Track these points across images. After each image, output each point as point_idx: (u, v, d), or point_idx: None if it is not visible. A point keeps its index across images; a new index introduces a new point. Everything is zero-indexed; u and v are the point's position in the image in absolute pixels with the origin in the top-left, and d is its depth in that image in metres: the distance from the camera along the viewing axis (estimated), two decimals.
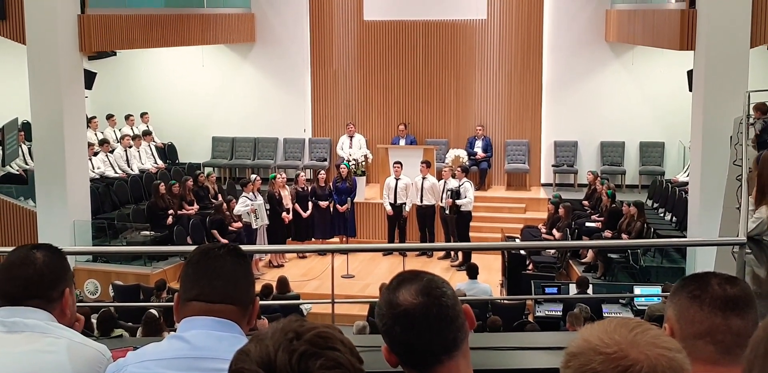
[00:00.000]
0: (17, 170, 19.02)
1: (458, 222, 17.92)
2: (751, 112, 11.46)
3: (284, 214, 18.12)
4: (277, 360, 1.63)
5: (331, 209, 18.83)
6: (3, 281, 2.86)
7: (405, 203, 18.49)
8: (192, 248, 2.91)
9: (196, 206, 18.43)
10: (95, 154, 19.56)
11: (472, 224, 18.21)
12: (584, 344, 1.80)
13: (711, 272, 2.57)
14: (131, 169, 20.25)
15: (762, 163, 5.96)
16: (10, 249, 3.00)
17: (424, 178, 18.35)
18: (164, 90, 22.90)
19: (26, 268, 2.85)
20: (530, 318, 13.48)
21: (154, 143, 21.66)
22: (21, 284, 2.84)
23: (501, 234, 17.61)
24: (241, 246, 2.90)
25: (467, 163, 20.21)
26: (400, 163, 18.61)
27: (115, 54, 19.92)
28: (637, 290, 13.95)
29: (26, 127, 18.92)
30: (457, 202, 17.79)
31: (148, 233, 17.18)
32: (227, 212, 17.52)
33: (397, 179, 18.51)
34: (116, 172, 19.88)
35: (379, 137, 21.75)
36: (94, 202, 17.44)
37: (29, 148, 18.88)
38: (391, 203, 18.55)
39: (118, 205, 18.82)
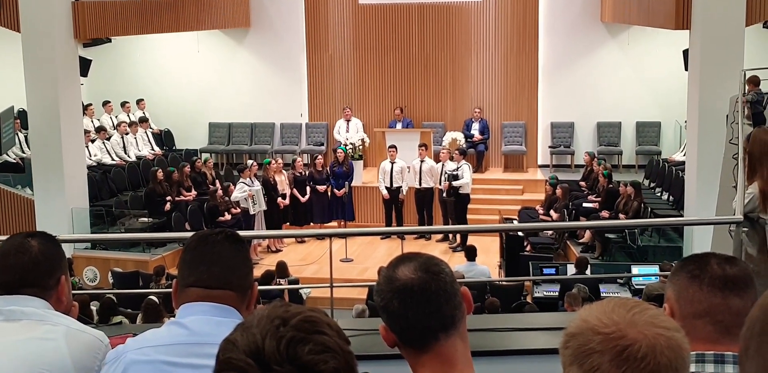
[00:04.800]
0: (14, 159, 19.00)
1: (456, 205, 17.94)
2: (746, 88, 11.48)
3: (279, 199, 18.13)
4: (265, 348, 1.62)
5: (329, 194, 18.85)
6: None
7: (401, 187, 18.50)
8: (190, 234, 2.92)
9: (193, 192, 18.42)
10: (92, 141, 19.55)
11: (469, 206, 18.22)
12: (583, 324, 1.81)
13: (710, 253, 2.58)
14: (128, 156, 20.23)
15: (752, 141, 6.00)
16: (5, 238, 3.00)
17: (422, 161, 18.36)
18: (160, 76, 22.84)
19: (21, 256, 2.85)
20: (528, 299, 13.51)
21: (151, 130, 21.64)
22: (17, 272, 2.84)
23: (498, 216, 17.62)
24: (239, 231, 2.90)
25: (464, 145, 20.21)
26: (395, 146, 18.62)
27: (110, 41, 19.86)
28: (635, 270, 14.00)
29: (22, 115, 18.86)
30: (454, 183, 17.80)
31: (146, 219, 17.18)
32: (225, 198, 17.53)
33: (392, 163, 18.52)
34: (113, 160, 19.86)
35: (375, 121, 21.73)
36: (92, 189, 17.44)
37: (26, 137, 18.86)
38: (387, 187, 18.56)
39: (116, 192, 18.82)
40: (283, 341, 1.63)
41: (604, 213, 16.82)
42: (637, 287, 13.30)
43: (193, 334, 2.54)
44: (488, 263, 15.65)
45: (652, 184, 19.09)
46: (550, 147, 21.53)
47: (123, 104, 21.86)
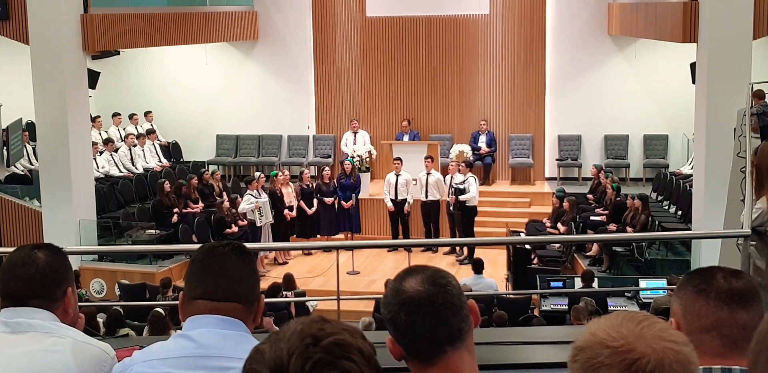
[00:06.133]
0: (22, 170, 19.03)
1: (463, 217, 17.92)
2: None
3: (286, 211, 18.14)
4: (290, 367, 1.60)
5: (336, 206, 18.85)
6: (5, 281, 2.87)
7: (406, 199, 18.50)
8: (197, 246, 2.92)
9: (200, 204, 18.43)
10: (100, 153, 19.58)
11: (477, 218, 18.19)
12: (591, 337, 1.80)
13: (716, 266, 2.57)
14: (136, 168, 20.24)
15: (759, 155, 5.98)
16: (12, 249, 3.00)
17: (428, 173, 18.35)
18: (168, 88, 22.90)
19: (28, 268, 2.85)
20: (536, 312, 13.48)
21: (159, 142, 21.66)
22: (23, 284, 2.84)
23: (506, 229, 17.61)
24: (246, 244, 2.90)
25: (471, 158, 20.21)
26: (400, 159, 18.62)
27: (118, 53, 19.92)
28: (643, 283, 13.95)
29: (30, 127, 18.93)
30: (461, 197, 17.79)
31: (153, 231, 17.18)
32: (232, 210, 17.55)
33: (397, 175, 18.51)
34: (121, 172, 19.86)
35: (383, 133, 21.74)
36: (99, 201, 17.45)
37: (34, 148, 18.88)
38: (392, 199, 18.55)
39: (123, 204, 18.82)
40: (309, 363, 1.61)
41: (612, 226, 16.79)
42: (645, 300, 13.26)
43: (200, 347, 2.54)
44: (495, 276, 15.62)
45: (660, 198, 19.05)
46: (557, 160, 21.52)
47: (131, 116, 21.89)
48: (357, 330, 1.72)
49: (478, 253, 16.70)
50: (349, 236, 18.80)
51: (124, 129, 21.67)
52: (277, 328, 1.72)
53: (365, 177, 19.81)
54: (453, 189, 17.92)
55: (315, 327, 1.67)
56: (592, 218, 17.50)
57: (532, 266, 15.63)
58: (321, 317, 1.74)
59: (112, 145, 19.99)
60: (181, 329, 2.67)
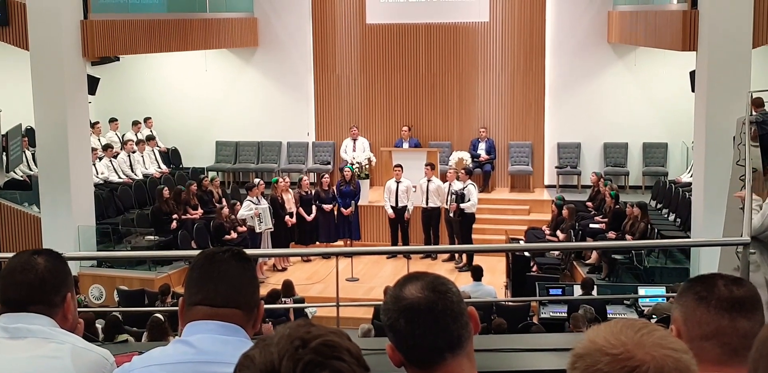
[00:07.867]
0: (21, 176, 19.03)
1: (461, 224, 17.92)
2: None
3: (287, 217, 18.14)
4: (281, 369, 1.61)
5: (336, 213, 18.84)
6: (5, 286, 2.87)
7: (407, 206, 18.50)
8: (196, 252, 2.91)
9: (200, 211, 18.43)
10: (99, 159, 19.57)
11: (476, 226, 18.19)
12: (590, 345, 1.80)
13: (717, 274, 2.56)
14: (135, 174, 20.24)
15: None
16: (11, 255, 3.00)
17: (429, 180, 18.36)
18: (168, 95, 22.91)
19: (28, 273, 2.85)
20: (535, 320, 13.46)
21: (158, 148, 21.66)
22: (23, 289, 2.84)
23: (505, 236, 17.60)
24: (245, 250, 2.90)
25: (470, 165, 20.20)
26: (400, 166, 18.63)
27: (118, 59, 19.92)
28: (642, 291, 13.94)
29: (30, 133, 18.93)
30: (461, 206, 17.79)
31: (152, 237, 17.17)
32: (231, 216, 17.54)
33: (398, 182, 18.52)
34: (120, 178, 19.86)
35: (382, 140, 21.75)
36: (98, 207, 17.44)
37: (33, 154, 18.88)
38: (392, 206, 18.55)
39: (122, 210, 18.81)
40: (300, 364, 1.61)
41: (611, 234, 16.79)
42: (643, 308, 13.25)
43: (199, 352, 2.53)
44: (494, 283, 15.61)
45: (659, 206, 19.05)
46: (556, 167, 21.52)
47: (135, 123, 21.87)
48: (343, 332, 1.73)
49: (477, 260, 16.69)
50: (348, 242, 18.78)
51: (123, 135, 21.67)
52: None
53: (365, 184, 19.80)
54: (453, 196, 17.92)
55: (302, 330, 1.68)
56: (591, 225, 17.49)
57: (532, 273, 15.63)
58: (306, 320, 1.76)
59: (111, 151, 19.99)
60: (179, 335, 2.67)
